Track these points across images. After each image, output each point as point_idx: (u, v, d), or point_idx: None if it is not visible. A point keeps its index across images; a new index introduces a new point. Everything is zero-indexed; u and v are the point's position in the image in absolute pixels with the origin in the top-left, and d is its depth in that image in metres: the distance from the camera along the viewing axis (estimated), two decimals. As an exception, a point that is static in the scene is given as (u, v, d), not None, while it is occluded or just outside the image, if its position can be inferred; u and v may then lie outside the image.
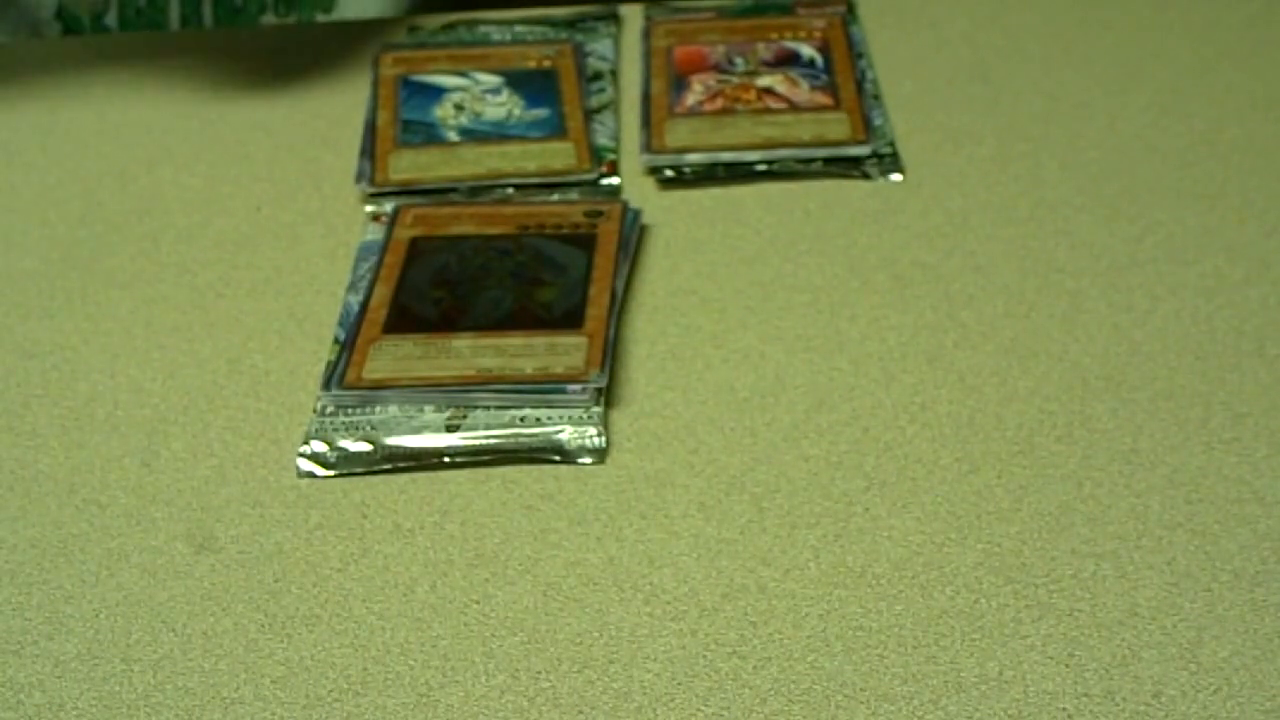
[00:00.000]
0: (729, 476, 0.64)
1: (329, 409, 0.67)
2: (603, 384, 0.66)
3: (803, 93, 0.82)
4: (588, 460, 0.65)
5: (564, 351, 0.68)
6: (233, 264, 0.76)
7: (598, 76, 0.85)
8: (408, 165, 0.79)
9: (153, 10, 0.90)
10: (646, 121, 0.81)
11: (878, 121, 0.80)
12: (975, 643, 0.57)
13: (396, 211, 0.76)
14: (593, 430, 0.65)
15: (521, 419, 0.66)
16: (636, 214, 0.76)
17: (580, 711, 0.56)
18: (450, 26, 0.89)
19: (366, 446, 0.65)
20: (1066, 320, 0.69)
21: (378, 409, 0.66)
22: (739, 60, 0.85)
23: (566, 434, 0.65)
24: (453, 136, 0.81)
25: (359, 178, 0.79)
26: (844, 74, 0.83)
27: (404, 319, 0.70)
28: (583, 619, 0.59)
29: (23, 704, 0.57)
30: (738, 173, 0.78)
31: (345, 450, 0.65)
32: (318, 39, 0.91)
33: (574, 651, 0.58)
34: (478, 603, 0.59)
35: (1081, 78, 0.84)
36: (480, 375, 0.67)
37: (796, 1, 0.89)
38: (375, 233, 0.76)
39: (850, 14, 0.88)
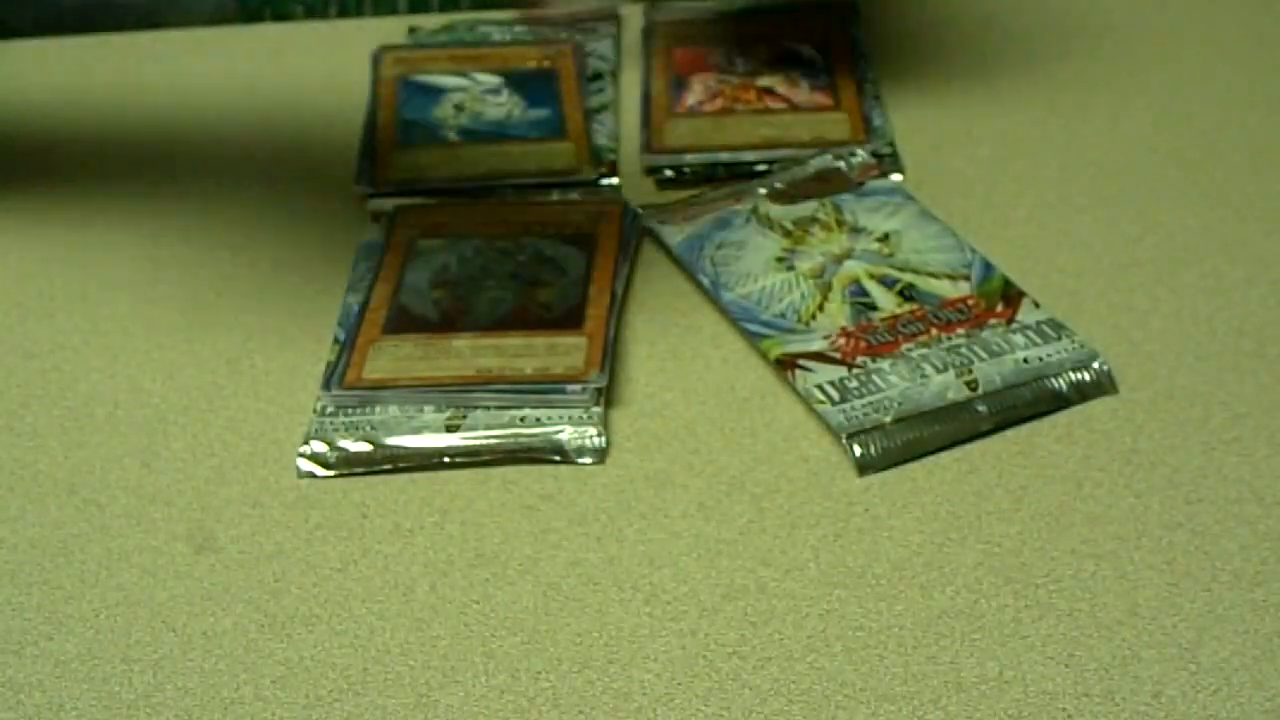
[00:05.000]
0: (729, 476, 0.64)
1: (329, 409, 0.67)
2: (603, 384, 0.66)
3: (803, 93, 0.82)
4: (588, 460, 0.65)
5: (564, 351, 0.68)
6: (233, 264, 0.76)
7: (598, 76, 0.85)
8: (408, 165, 0.79)
9: None
10: (646, 121, 0.81)
11: (878, 121, 0.80)
12: (975, 643, 0.57)
13: (396, 211, 0.76)
14: (593, 430, 0.65)
15: (521, 419, 0.66)
16: (636, 214, 0.76)
17: (580, 711, 0.56)
18: (450, 26, 0.89)
19: (366, 446, 0.65)
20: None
21: (378, 409, 0.66)
22: (739, 60, 0.85)
23: (566, 434, 0.65)
24: (453, 136, 0.81)
25: (359, 178, 0.79)
26: (844, 74, 0.83)
27: (404, 319, 0.70)
28: (583, 619, 0.59)
29: (23, 704, 0.57)
30: (738, 173, 0.78)
31: (345, 450, 0.65)
32: (318, 39, 0.91)
33: (574, 651, 0.58)
34: (478, 603, 0.59)
35: (1081, 78, 0.84)
36: (480, 375, 0.67)
37: (797, 1, 0.89)
38: (375, 233, 0.76)
39: (851, 14, 0.88)
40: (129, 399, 0.69)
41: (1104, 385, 0.66)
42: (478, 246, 0.74)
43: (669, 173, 0.79)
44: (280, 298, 0.73)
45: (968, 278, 0.70)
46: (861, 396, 0.65)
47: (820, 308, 0.69)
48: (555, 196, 0.77)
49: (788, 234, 0.73)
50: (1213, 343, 0.69)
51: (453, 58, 0.86)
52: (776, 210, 0.75)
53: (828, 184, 0.76)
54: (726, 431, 0.66)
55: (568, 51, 0.86)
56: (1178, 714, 0.55)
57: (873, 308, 0.69)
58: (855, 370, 0.66)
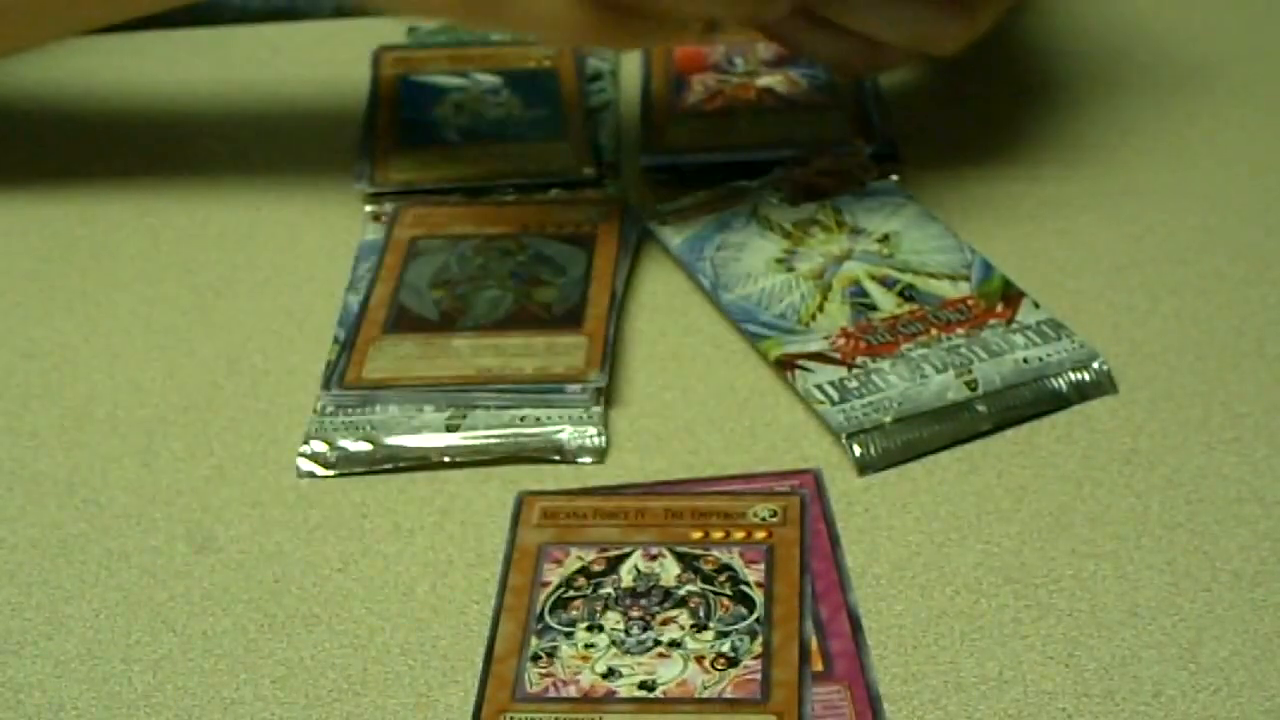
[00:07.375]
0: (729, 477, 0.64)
1: (329, 409, 0.67)
2: (603, 384, 0.66)
3: (803, 93, 0.82)
4: (588, 460, 0.65)
5: (564, 351, 0.68)
6: (233, 264, 0.76)
7: (598, 76, 0.85)
8: (408, 165, 0.79)
9: None
10: (646, 121, 0.81)
11: (878, 121, 0.80)
12: (975, 643, 0.57)
13: (396, 211, 0.76)
14: (593, 430, 0.65)
15: (521, 419, 0.66)
16: (637, 214, 0.76)
17: (580, 711, 0.56)
18: (450, 26, 0.89)
19: (366, 446, 0.65)
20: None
21: (378, 409, 0.66)
22: (739, 60, 0.85)
23: (566, 434, 0.65)
24: (453, 136, 0.81)
25: (359, 178, 0.79)
26: (844, 74, 0.83)
27: (404, 318, 0.70)
28: (583, 619, 0.59)
29: (23, 704, 0.57)
30: (738, 173, 0.78)
31: (345, 450, 0.65)
32: (318, 39, 0.91)
33: (574, 651, 0.58)
34: (477, 603, 0.59)
35: (1082, 77, 0.84)
36: (480, 375, 0.67)
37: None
38: (375, 233, 0.76)
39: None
40: (129, 399, 0.69)
41: (1104, 385, 0.66)
42: (477, 246, 0.74)
43: (669, 173, 0.79)
44: (280, 297, 0.73)
45: (968, 278, 0.70)
46: (861, 396, 0.65)
47: (820, 308, 0.69)
48: (555, 196, 0.77)
49: (787, 235, 0.73)
50: (1213, 343, 0.69)
51: (453, 58, 0.86)
52: (776, 211, 0.75)
53: (828, 185, 0.76)
54: (726, 431, 0.66)
55: (568, 51, 0.86)
56: (1178, 714, 0.55)
57: (872, 308, 0.69)
58: (855, 370, 0.66)
